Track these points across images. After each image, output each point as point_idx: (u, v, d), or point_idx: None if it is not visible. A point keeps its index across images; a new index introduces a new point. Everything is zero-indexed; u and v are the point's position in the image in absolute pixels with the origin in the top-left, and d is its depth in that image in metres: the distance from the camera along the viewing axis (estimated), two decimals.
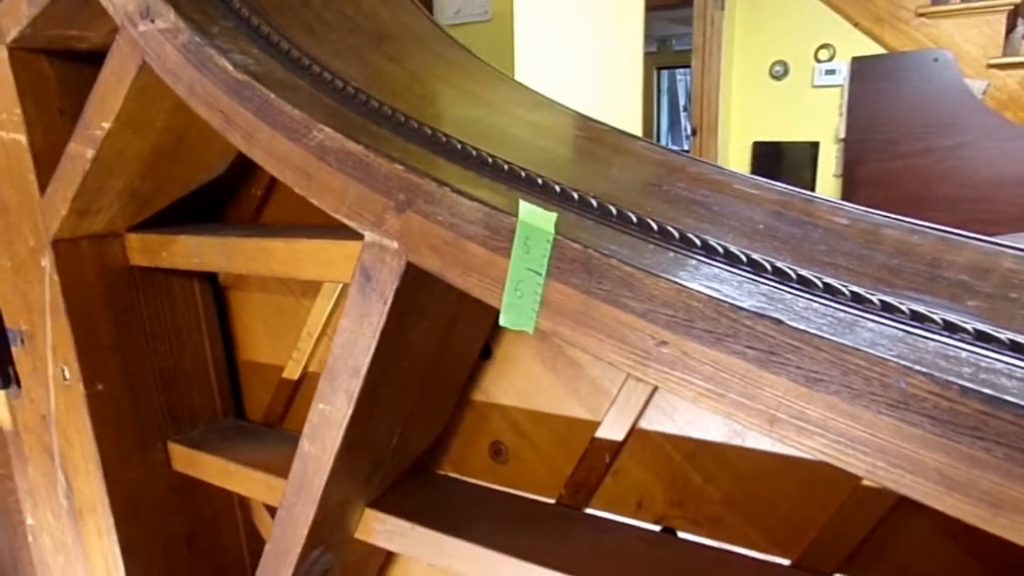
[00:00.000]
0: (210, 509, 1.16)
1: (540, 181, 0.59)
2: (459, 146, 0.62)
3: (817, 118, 3.49)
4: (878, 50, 3.32)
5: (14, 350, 1.11)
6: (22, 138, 0.92)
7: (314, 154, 0.62)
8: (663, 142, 9.43)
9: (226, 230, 0.95)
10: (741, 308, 0.44)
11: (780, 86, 3.60)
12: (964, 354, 0.42)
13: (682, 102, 9.92)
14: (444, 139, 0.63)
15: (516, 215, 0.52)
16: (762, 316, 0.43)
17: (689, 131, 4.29)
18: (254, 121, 0.65)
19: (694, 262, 0.50)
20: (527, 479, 0.91)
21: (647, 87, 8.93)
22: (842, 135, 3.46)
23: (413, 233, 0.58)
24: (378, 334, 0.64)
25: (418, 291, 0.64)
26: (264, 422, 1.19)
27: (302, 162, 0.63)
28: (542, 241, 0.50)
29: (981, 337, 0.43)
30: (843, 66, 3.40)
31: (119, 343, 1.02)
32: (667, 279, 0.46)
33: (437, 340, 0.75)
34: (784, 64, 3.60)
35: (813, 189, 3.54)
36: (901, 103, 3.34)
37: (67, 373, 1.01)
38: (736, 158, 3.87)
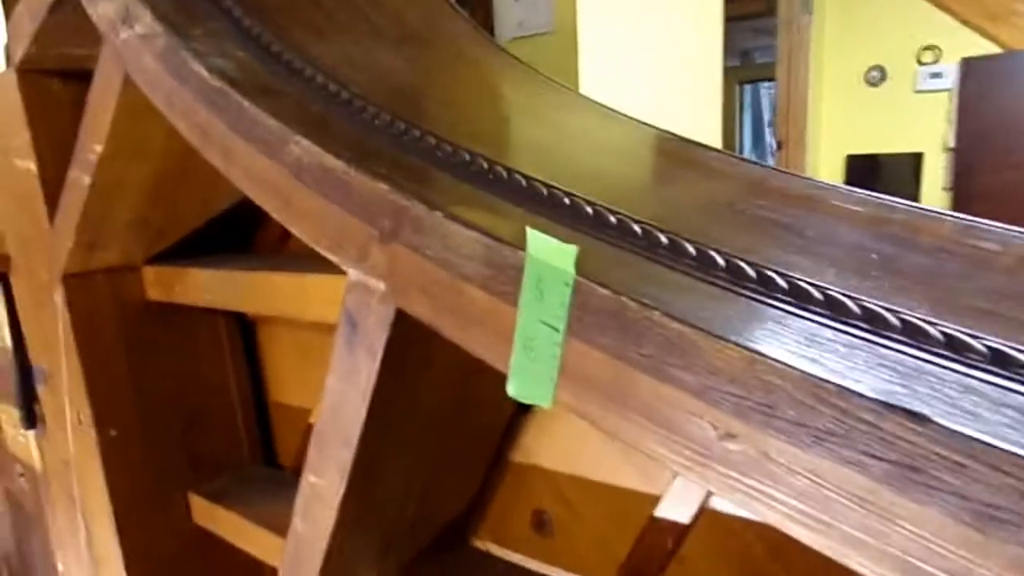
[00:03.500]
0: (234, 567, 1.06)
1: (568, 201, 0.44)
2: (468, 158, 0.49)
3: (920, 127, 3.17)
4: (992, 49, 2.99)
5: (40, 389, 1.06)
6: (32, 165, 0.86)
7: (291, 172, 0.50)
8: None
9: (238, 262, 0.85)
10: (856, 393, 0.28)
11: (877, 93, 3.31)
12: None
13: (767, 117, 9.49)
14: (450, 150, 0.50)
15: (525, 249, 0.38)
16: (893, 408, 0.27)
17: (774, 146, 4.02)
18: (229, 134, 0.54)
19: (778, 315, 0.34)
20: (574, 558, 0.76)
21: (729, 103, 8.58)
22: (951, 144, 3.12)
23: (401, 271, 0.45)
24: (369, 396, 0.51)
25: (417, 341, 0.51)
26: (295, 469, 1.09)
27: (279, 182, 0.52)
28: (559, 284, 0.36)
29: None
30: (951, 68, 3.07)
31: (136, 385, 0.94)
32: (736, 343, 0.31)
33: (453, 396, 0.61)
34: (881, 69, 3.30)
35: None
36: (1019, 107, 2.98)
37: (82, 416, 0.94)
38: (827, 173, 3.58)
